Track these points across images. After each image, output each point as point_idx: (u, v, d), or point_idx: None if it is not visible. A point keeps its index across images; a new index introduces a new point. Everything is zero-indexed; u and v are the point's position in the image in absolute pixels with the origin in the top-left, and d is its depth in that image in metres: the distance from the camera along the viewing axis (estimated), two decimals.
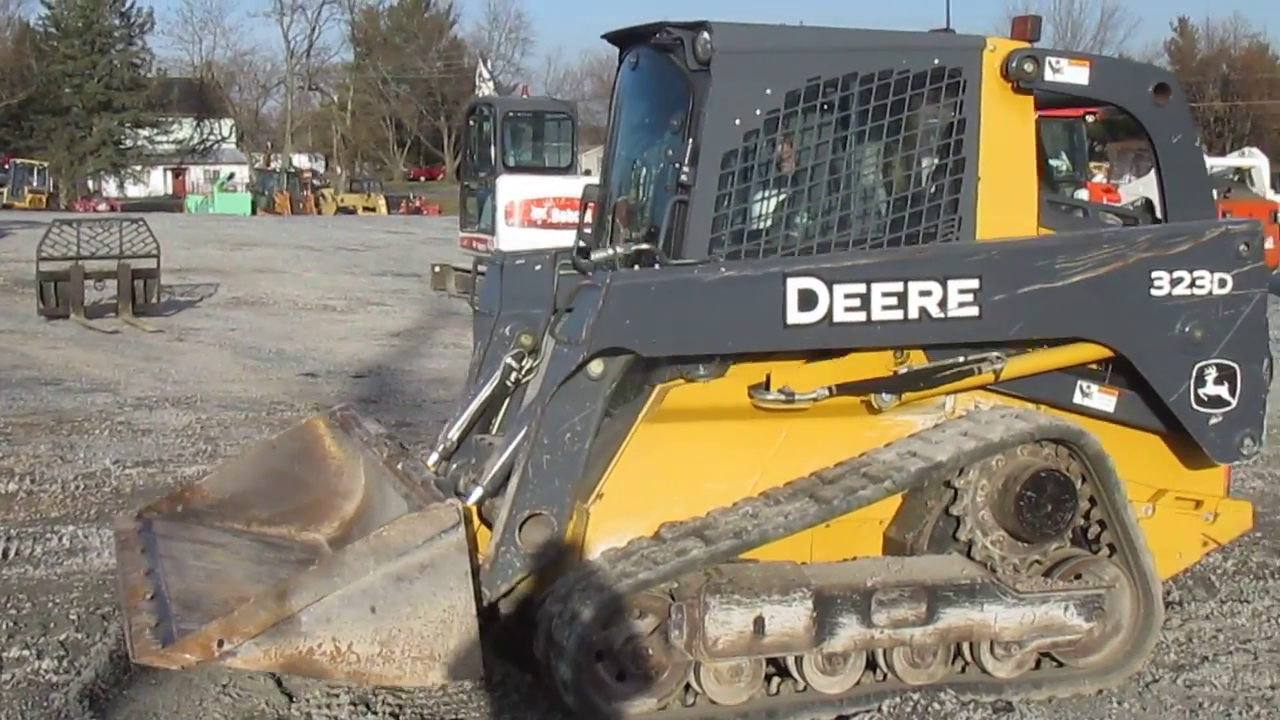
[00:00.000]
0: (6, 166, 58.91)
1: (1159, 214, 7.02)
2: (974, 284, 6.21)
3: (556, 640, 5.85)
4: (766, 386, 6.26)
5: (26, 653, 7.00)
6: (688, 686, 6.15)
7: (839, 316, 6.07)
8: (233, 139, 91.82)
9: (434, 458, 7.14)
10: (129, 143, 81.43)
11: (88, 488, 10.46)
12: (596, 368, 5.96)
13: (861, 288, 6.08)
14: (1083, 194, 26.42)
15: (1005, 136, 6.55)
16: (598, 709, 5.97)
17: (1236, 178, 39.51)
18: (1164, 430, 6.78)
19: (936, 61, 6.41)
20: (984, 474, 6.44)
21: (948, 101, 6.47)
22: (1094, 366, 6.69)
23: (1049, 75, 6.53)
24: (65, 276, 21.73)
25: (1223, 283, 6.51)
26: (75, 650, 7.03)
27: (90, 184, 78.75)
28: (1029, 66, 6.45)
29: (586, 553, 6.15)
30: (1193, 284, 6.49)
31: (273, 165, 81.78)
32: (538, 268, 7.38)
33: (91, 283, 22.05)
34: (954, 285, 6.19)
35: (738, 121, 6.23)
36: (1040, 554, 6.56)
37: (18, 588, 8.02)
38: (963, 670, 6.50)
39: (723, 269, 6.04)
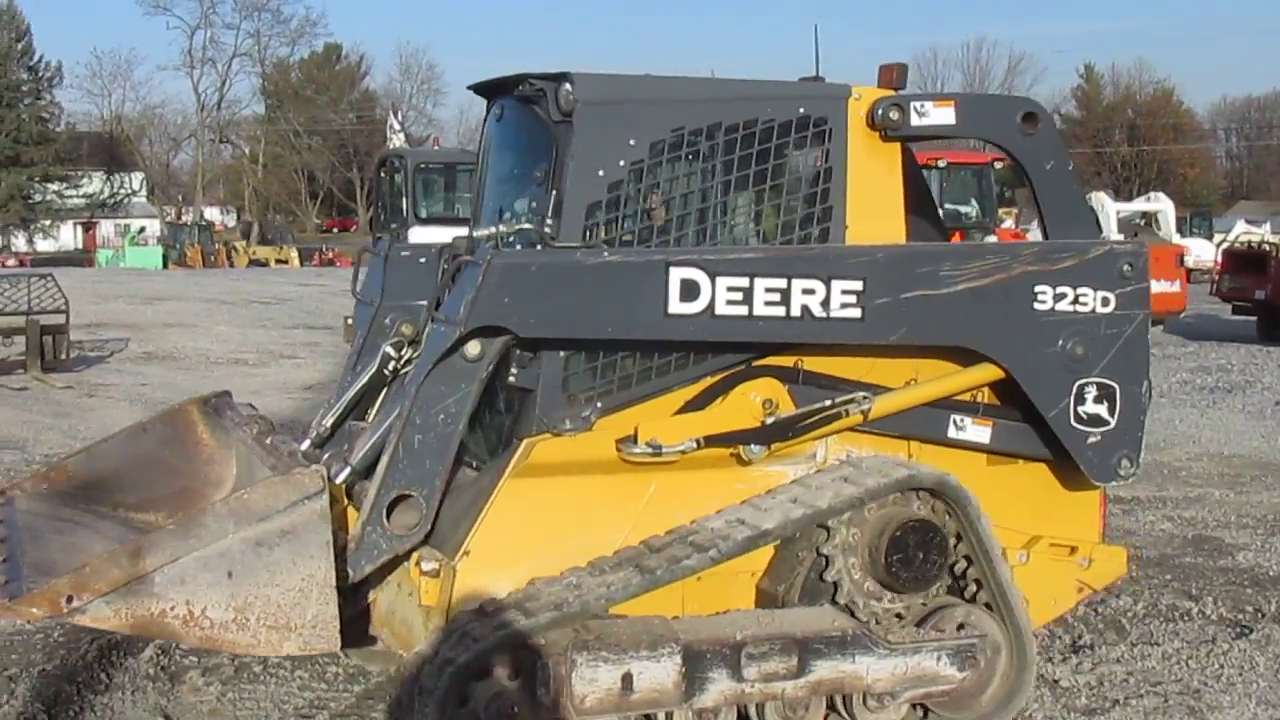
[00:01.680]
0: None
1: None
2: (858, 286, 6.11)
3: (414, 706, 5.71)
4: (634, 440, 6.15)
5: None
6: None
7: (720, 309, 5.97)
8: (143, 192, 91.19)
9: (306, 444, 6.97)
10: (38, 197, 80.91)
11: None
12: (473, 348, 5.89)
13: (744, 281, 5.99)
14: (991, 239, 26.74)
15: (872, 184, 6.51)
16: None
17: (1143, 222, 40.21)
18: (1042, 457, 6.73)
19: (801, 110, 6.37)
20: (853, 523, 6.36)
21: (813, 150, 6.44)
22: (966, 399, 6.63)
23: (915, 120, 6.49)
24: None
25: (1105, 301, 6.46)
26: None
27: None
28: (894, 114, 6.43)
29: (450, 613, 6.01)
30: (1076, 300, 6.43)
31: (184, 218, 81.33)
32: (422, 260, 7.40)
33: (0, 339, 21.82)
34: (837, 285, 6.09)
35: (601, 173, 6.15)
36: (909, 604, 6.48)
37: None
38: None
39: (605, 253, 5.94)
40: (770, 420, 6.27)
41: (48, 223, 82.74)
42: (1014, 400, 6.56)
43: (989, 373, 6.48)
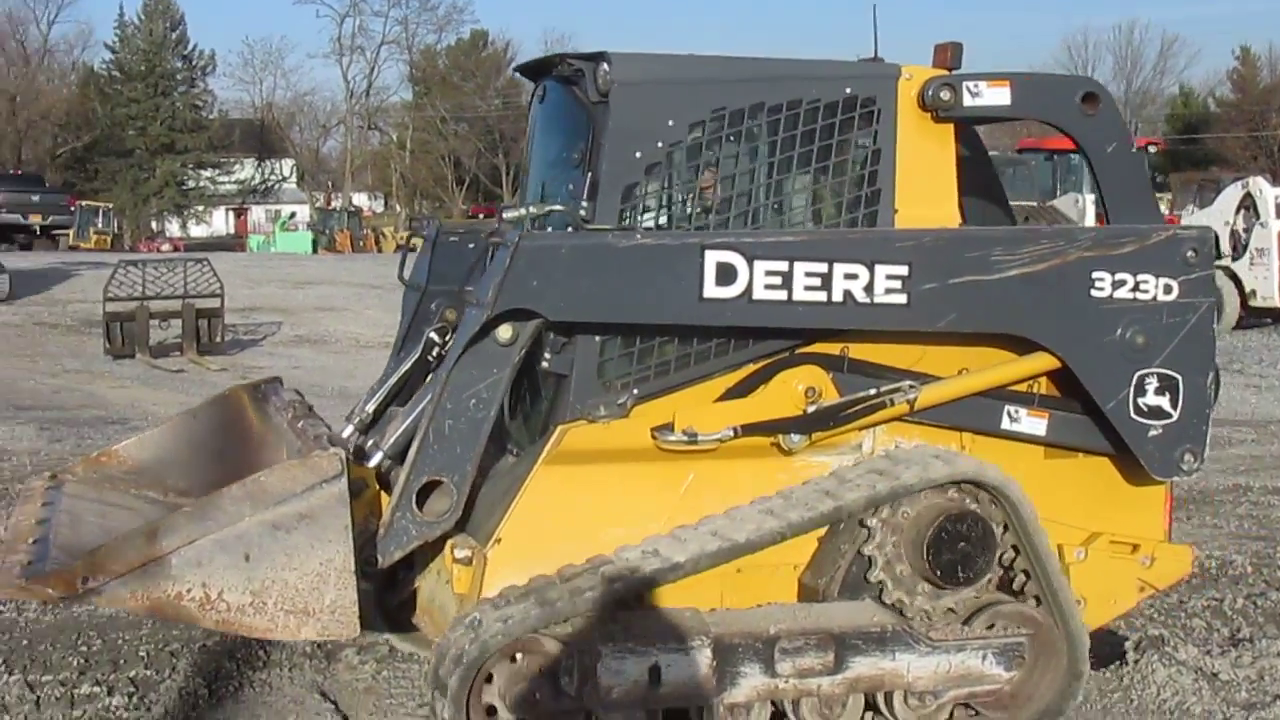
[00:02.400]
0: (73, 209, 59.25)
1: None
2: (903, 270, 5.97)
3: (441, 679, 5.70)
4: (671, 427, 6.05)
5: (97, 689, 7.07)
6: None
7: (758, 294, 5.86)
8: (293, 179, 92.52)
9: (349, 430, 6.93)
10: (191, 183, 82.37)
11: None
12: (505, 332, 5.83)
13: (784, 265, 5.88)
14: None
15: (923, 167, 6.36)
16: None
17: None
18: (1102, 450, 6.50)
19: (849, 90, 6.23)
20: (896, 517, 6.20)
21: (861, 132, 6.29)
22: (1022, 389, 6.42)
23: (968, 100, 6.32)
24: (131, 316, 21.97)
25: (1168, 289, 6.25)
26: (145, 686, 7.10)
27: (154, 225, 79.62)
28: (945, 94, 6.26)
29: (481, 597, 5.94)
30: (1136, 287, 6.23)
31: (333, 204, 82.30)
32: (470, 245, 7.33)
33: (157, 322, 22.29)
34: (882, 270, 5.95)
35: (638, 154, 6.05)
36: (957, 600, 6.29)
37: (88, 625, 8.08)
38: None
39: (639, 236, 5.87)
40: (812, 409, 6.13)
41: (201, 208, 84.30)
42: (1072, 391, 6.37)
43: (1044, 362, 6.30)
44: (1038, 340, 6.22)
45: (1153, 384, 6.30)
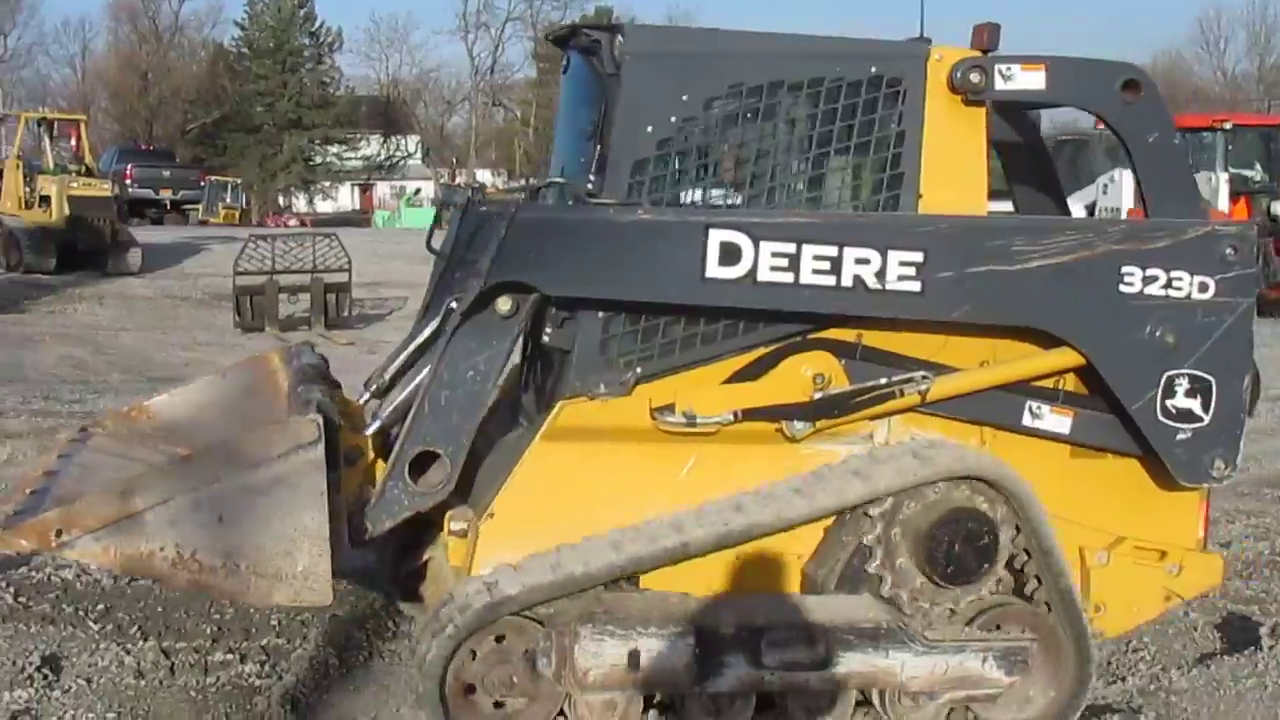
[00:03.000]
0: (202, 184, 60.09)
1: None
2: (918, 257, 5.81)
3: (420, 653, 5.74)
4: (672, 409, 5.98)
5: (230, 656, 7.26)
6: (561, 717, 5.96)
7: (763, 275, 5.74)
8: (418, 155, 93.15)
9: (366, 396, 6.84)
10: (318, 159, 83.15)
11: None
12: (504, 304, 5.82)
13: (791, 247, 5.74)
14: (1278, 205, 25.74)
15: (951, 151, 6.14)
16: None
17: None
18: (1131, 452, 6.28)
19: (874, 70, 6.04)
20: (896, 511, 6.05)
21: (885, 112, 6.07)
22: (1048, 385, 6.22)
23: (1000, 84, 6.08)
24: (260, 290, 22.29)
25: (1204, 287, 5.99)
26: (277, 655, 7.26)
27: (280, 200, 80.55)
28: (975, 77, 6.03)
29: (472, 572, 5.95)
30: (1169, 284, 5.98)
31: (457, 180, 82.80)
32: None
33: (285, 296, 22.59)
34: (895, 256, 5.80)
35: (650, 128, 5.92)
36: (959, 599, 6.12)
37: None
38: None
39: (640, 212, 5.77)
40: (818, 396, 6.01)
41: (327, 184, 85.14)
42: (1100, 389, 6.16)
43: (1067, 358, 6.10)
44: (1061, 335, 6.04)
45: (1183, 385, 6.07)
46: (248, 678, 6.95)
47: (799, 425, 6.03)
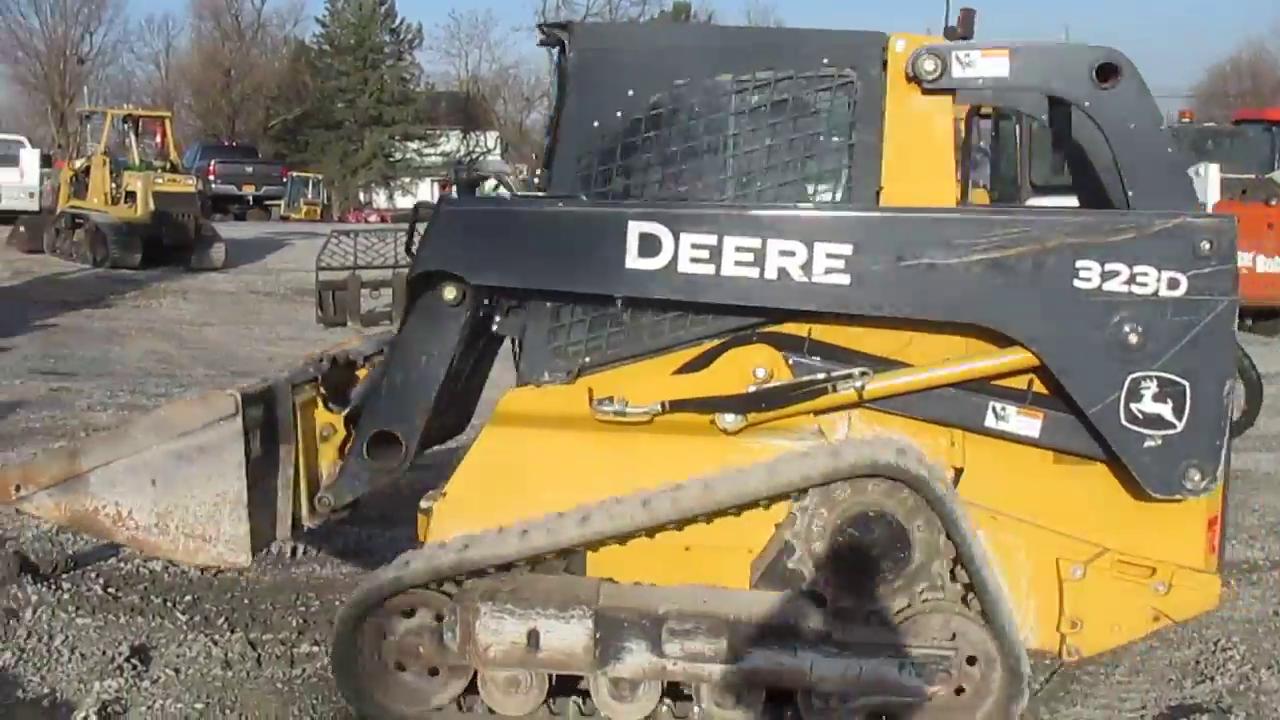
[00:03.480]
0: (284, 180, 60.63)
1: None
2: (847, 250, 5.66)
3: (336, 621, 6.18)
4: (610, 399, 6.03)
5: (316, 649, 7.37)
6: (469, 690, 6.17)
7: (683, 267, 5.74)
8: (497, 151, 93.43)
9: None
10: (398, 155, 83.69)
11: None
12: (450, 292, 6.00)
13: (712, 239, 5.72)
14: None
15: (913, 143, 5.98)
16: (361, 694, 6.18)
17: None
18: (1108, 459, 5.86)
19: (826, 62, 5.95)
20: (824, 503, 5.92)
21: (840, 105, 5.98)
22: (1013, 386, 5.89)
23: (958, 71, 5.82)
24: (343, 285, 22.45)
25: (1174, 283, 5.52)
26: None
27: (361, 195, 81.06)
28: (929, 65, 5.81)
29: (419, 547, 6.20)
30: (1132, 280, 5.54)
31: (536, 176, 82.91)
32: None
33: (368, 291, 22.70)
34: (822, 248, 5.67)
35: (596, 124, 6.03)
36: (881, 601, 5.90)
37: (306, 586, 8.36)
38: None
39: (560, 204, 5.88)
40: (751, 389, 5.95)
41: (407, 180, 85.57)
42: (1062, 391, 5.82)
43: (1020, 358, 5.76)
44: (1007, 332, 5.75)
45: (1151, 389, 5.62)
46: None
47: (729, 418, 5.98)
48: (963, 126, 19.74)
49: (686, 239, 5.74)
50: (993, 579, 5.83)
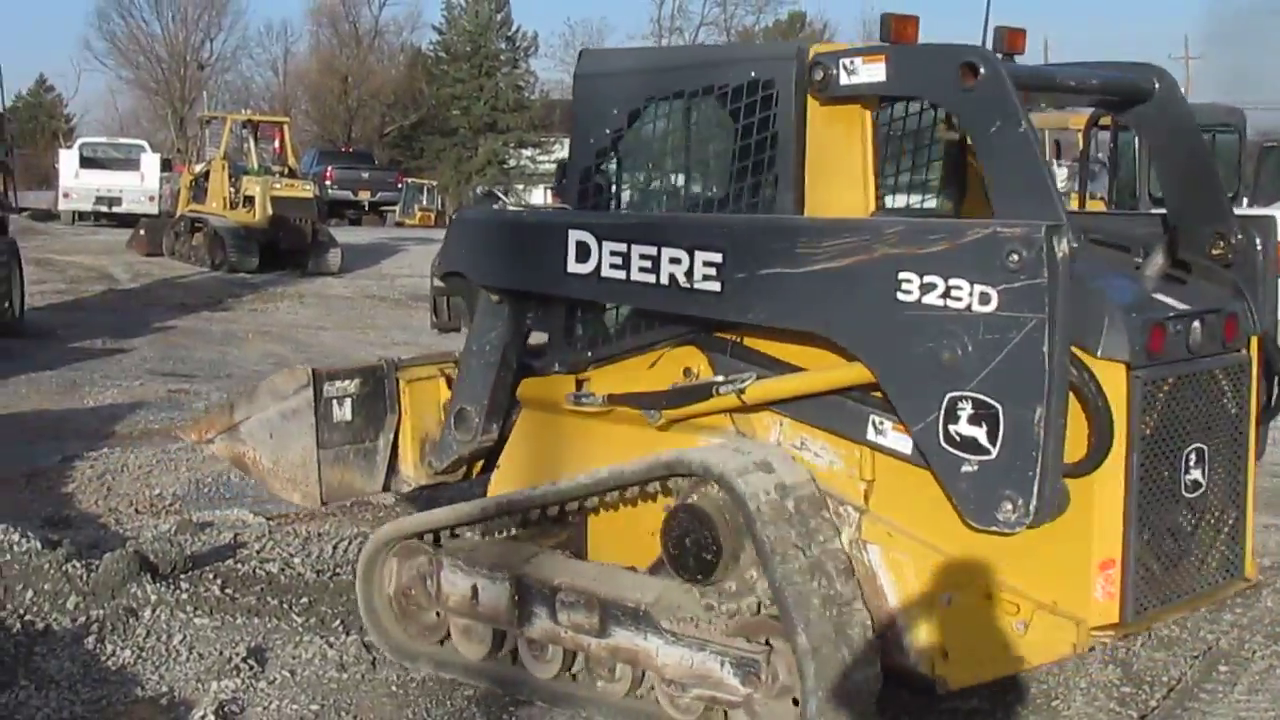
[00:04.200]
0: (399, 185, 61.05)
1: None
2: (717, 258, 5.82)
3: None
4: (579, 390, 6.76)
5: None
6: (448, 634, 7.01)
7: (605, 272, 6.27)
8: None
9: None
10: (512, 162, 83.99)
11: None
12: (493, 292, 6.98)
13: (623, 247, 6.18)
14: None
15: (828, 151, 5.96)
16: (377, 624, 7.24)
17: None
18: None
19: (752, 74, 6.05)
20: (666, 495, 6.20)
21: (764, 115, 6.04)
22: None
23: (845, 79, 5.77)
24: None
25: (985, 298, 5.14)
26: None
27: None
28: (818, 74, 5.82)
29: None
30: (947, 293, 5.21)
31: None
32: None
33: None
34: (700, 256, 5.88)
35: (592, 140, 6.65)
36: (709, 595, 5.95)
37: None
38: (640, 697, 6.37)
39: (525, 215, 7.11)
40: (664, 390, 6.37)
41: (521, 187, 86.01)
42: None
43: (858, 372, 5.60)
44: (843, 344, 5.61)
45: (966, 410, 5.25)
46: (447, 675, 7.00)
47: (652, 414, 6.34)
48: (1080, 138, 19.57)
49: (606, 246, 6.27)
50: (797, 598, 5.59)
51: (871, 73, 5.76)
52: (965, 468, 5.31)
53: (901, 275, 5.34)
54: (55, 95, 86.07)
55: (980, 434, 5.24)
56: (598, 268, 6.27)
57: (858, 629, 5.68)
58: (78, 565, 8.09)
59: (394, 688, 6.88)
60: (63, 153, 46.50)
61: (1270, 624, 8.11)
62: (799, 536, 5.72)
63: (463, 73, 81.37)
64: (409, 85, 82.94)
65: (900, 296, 5.34)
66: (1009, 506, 5.23)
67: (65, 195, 43.57)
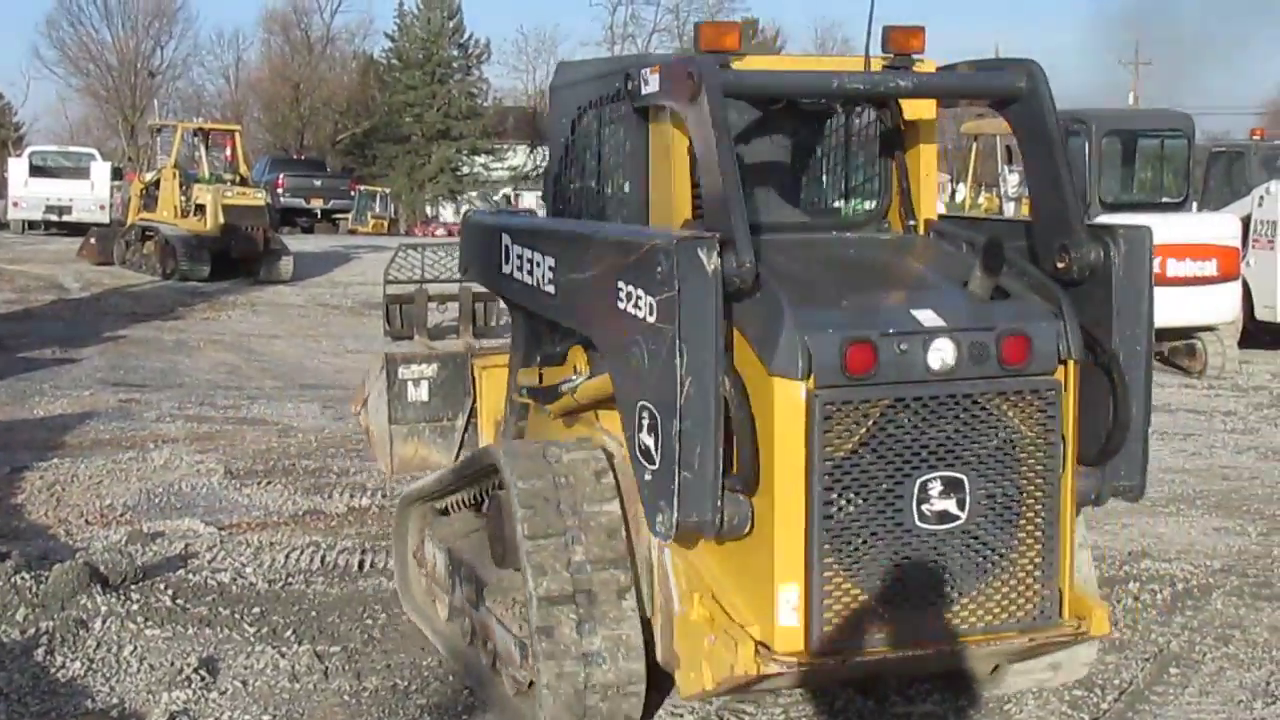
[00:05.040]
0: (352, 193, 60.91)
1: None
2: (552, 262, 6.27)
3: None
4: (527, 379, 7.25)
5: (382, 662, 7.24)
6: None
7: (515, 274, 6.74)
8: None
9: None
10: (466, 169, 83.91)
11: None
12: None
13: (520, 250, 6.66)
14: None
15: (656, 160, 6.05)
16: (404, 578, 8.07)
17: None
18: None
19: (621, 83, 6.20)
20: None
21: (629, 123, 6.28)
22: None
23: (644, 90, 5.87)
24: (410, 299, 22.35)
25: (651, 309, 5.23)
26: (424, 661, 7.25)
27: (428, 209, 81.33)
28: (629, 84, 5.96)
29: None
30: (637, 302, 5.34)
31: None
32: None
33: (435, 305, 22.66)
34: (546, 261, 6.32)
35: (555, 148, 7.13)
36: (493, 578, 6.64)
37: (373, 598, 8.35)
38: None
39: (486, 218, 7.80)
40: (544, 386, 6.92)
41: (474, 194, 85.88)
42: None
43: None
44: (600, 351, 5.79)
45: (645, 420, 5.36)
46: (400, 683, 7.00)
47: (544, 409, 6.92)
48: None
49: (514, 250, 6.74)
50: (532, 596, 5.83)
51: (653, 84, 5.84)
52: (645, 475, 5.44)
53: (619, 283, 5.50)
54: (4, 103, 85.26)
55: (651, 443, 5.34)
56: (513, 269, 6.75)
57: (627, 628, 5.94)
58: (26, 576, 8.06)
59: (346, 697, 6.85)
60: (12, 161, 46.19)
61: (1221, 627, 8.16)
62: (555, 526, 5.94)
63: (415, 80, 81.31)
64: (361, 92, 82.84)
65: (619, 304, 5.50)
66: (660, 517, 5.32)
67: (14, 204, 43.28)
